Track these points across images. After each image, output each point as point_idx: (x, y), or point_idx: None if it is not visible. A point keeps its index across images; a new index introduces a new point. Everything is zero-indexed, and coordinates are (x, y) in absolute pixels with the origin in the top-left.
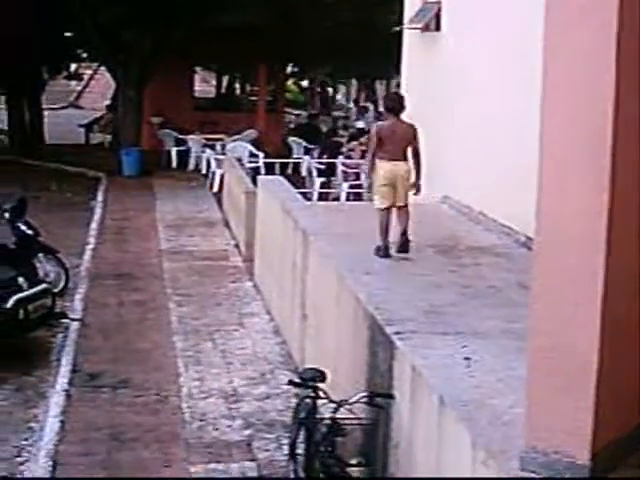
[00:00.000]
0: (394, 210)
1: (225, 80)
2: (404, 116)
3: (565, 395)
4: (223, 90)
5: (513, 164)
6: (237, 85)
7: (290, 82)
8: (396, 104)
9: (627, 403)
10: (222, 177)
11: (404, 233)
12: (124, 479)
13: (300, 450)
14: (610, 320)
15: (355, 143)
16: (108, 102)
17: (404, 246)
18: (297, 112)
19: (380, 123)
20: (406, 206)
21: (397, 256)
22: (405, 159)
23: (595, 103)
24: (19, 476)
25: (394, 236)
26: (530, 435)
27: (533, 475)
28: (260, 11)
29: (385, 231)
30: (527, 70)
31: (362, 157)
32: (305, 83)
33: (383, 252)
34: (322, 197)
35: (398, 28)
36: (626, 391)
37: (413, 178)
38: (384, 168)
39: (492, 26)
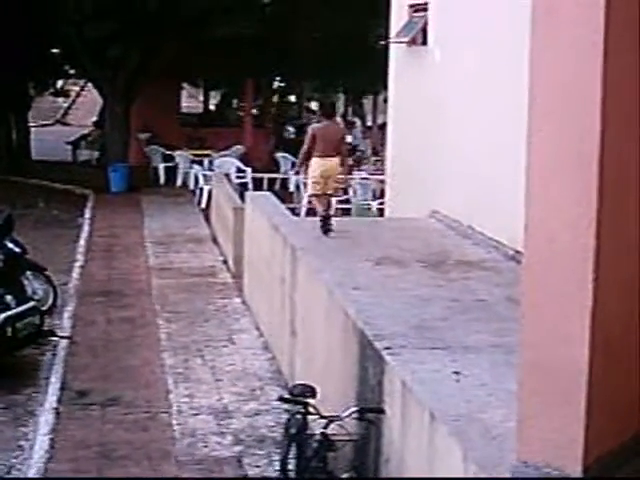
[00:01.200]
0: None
1: (212, 95)
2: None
3: (556, 408)
4: (211, 106)
5: (501, 178)
6: (228, 100)
7: (277, 97)
8: (329, 110)
9: (619, 415)
10: (210, 193)
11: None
12: (122, 479)
13: (291, 466)
14: (600, 333)
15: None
16: (95, 119)
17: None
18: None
19: (315, 125)
20: (332, 195)
21: (386, 271)
22: (336, 155)
23: (582, 115)
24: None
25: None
26: (521, 449)
27: None
28: (248, 25)
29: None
30: (515, 83)
31: (349, 172)
32: (292, 98)
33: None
34: (310, 212)
35: (384, 43)
36: (618, 403)
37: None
38: (318, 163)
39: (479, 40)
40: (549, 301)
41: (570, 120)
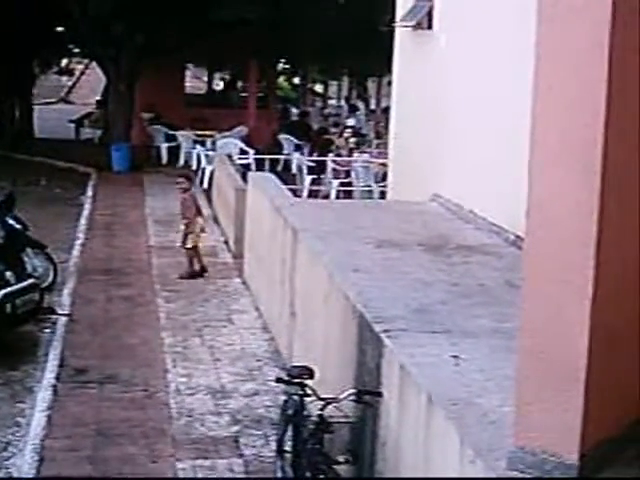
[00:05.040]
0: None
1: (218, 77)
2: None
3: (554, 395)
4: (215, 87)
5: (504, 163)
6: (233, 82)
7: (282, 79)
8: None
9: (617, 402)
10: (212, 173)
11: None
12: (115, 479)
13: (287, 447)
14: (599, 320)
15: (341, 139)
16: (99, 97)
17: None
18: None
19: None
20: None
21: (387, 254)
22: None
23: (587, 102)
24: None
25: None
26: (518, 434)
27: (521, 475)
28: (253, 7)
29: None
30: (521, 69)
31: (350, 154)
32: (297, 80)
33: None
34: (312, 194)
35: (389, 26)
36: (616, 390)
37: None
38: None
39: (484, 24)
40: (549, 287)
41: (574, 105)
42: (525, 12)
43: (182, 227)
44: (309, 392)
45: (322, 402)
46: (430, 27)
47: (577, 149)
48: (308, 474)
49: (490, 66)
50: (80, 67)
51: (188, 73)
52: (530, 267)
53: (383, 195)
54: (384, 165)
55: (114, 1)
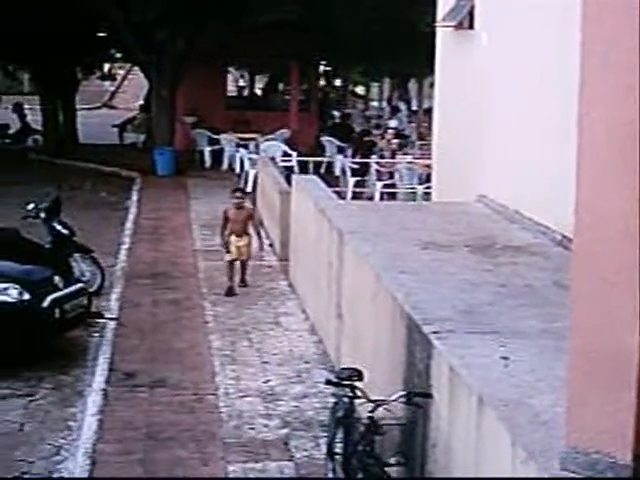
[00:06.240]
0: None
1: (258, 79)
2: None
3: (606, 395)
4: (256, 90)
5: (549, 162)
6: (274, 84)
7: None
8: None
9: None
10: (256, 176)
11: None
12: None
13: (338, 449)
14: None
15: (383, 141)
16: (141, 102)
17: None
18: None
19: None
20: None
21: (434, 255)
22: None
23: (632, 100)
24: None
25: None
26: (571, 435)
27: (574, 475)
28: (293, 9)
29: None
30: (564, 68)
31: (393, 156)
32: (338, 82)
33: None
34: (356, 196)
35: (427, 28)
36: None
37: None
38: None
39: (526, 22)
40: (599, 286)
41: (620, 103)
42: (569, 9)
43: (233, 240)
44: (359, 394)
45: (372, 404)
46: (471, 27)
47: (622, 147)
48: (359, 476)
49: (533, 65)
50: (122, 72)
51: (230, 76)
52: (579, 267)
53: (427, 196)
54: (428, 166)
55: (157, 8)
